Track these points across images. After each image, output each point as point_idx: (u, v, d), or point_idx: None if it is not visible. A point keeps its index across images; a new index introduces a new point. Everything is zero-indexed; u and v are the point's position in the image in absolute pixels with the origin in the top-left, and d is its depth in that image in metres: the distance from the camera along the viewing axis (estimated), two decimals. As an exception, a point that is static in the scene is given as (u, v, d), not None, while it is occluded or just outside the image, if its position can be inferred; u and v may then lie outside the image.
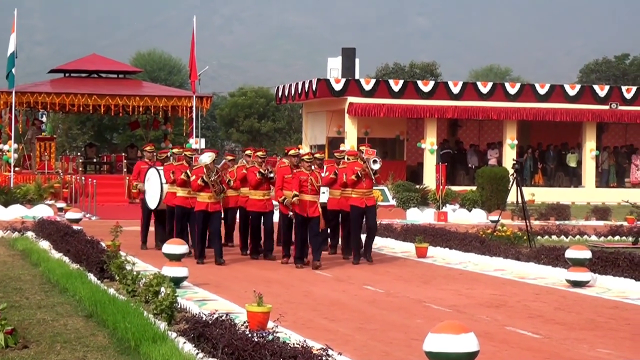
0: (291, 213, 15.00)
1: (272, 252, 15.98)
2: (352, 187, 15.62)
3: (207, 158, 15.12)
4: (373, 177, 15.62)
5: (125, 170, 32.84)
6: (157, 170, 16.70)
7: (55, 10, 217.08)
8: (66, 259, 14.08)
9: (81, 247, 13.94)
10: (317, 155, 16.35)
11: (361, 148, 16.33)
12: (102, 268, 12.46)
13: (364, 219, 15.66)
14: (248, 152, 16.92)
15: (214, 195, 15.02)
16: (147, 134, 39.04)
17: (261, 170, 15.73)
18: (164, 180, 16.47)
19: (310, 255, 15.06)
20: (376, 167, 15.62)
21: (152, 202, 16.90)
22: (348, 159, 16.28)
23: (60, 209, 24.77)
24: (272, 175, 15.72)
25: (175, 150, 16.99)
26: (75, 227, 17.26)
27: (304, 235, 14.95)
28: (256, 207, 15.84)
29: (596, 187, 37.16)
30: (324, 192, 15.69)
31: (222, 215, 15.77)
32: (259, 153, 16.21)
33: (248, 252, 16.28)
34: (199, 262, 14.98)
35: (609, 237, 20.16)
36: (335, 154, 17.00)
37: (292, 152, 15.68)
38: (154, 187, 16.82)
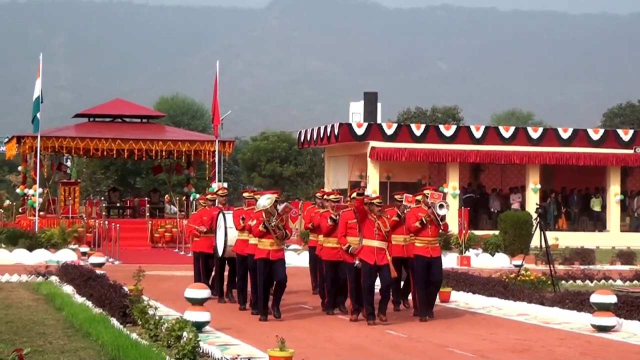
0: (358, 262, 13.67)
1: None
2: (415, 234, 14.26)
3: (266, 201, 13.64)
4: (440, 224, 14.30)
5: (148, 214, 32.98)
6: (224, 214, 15.67)
7: (78, 55, 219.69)
8: (89, 304, 14.10)
9: (104, 291, 13.96)
10: (332, 197, 15.07)
11: (425, 192, 14.58)
12: (124, 312, 12.46)
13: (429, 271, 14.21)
14: (318, 194, 15.88)
15: (276, 242, 13.73)
16: (170, 178, 39.21)
17: (332, 215, 14.52)
18: (229, 224, 15.38)
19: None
20: (443, 212, 14.19)
21: (219, 249, 15.85)
22: (406, 206, 14.61)
23: (84, 253, 24.87)
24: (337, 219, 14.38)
25: (246, 195, 15.33)
26: (98, 271, 17.30)
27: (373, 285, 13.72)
28: (331, 256, 14.52)
29: (621, 231, 36.88)
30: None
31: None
32: (332, 196, 15.09)
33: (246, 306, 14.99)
34: (262, 319, 13.62)
35: (635, 282, 19.96)
36: (396, 197, 15.11)
37: (354, 194, 14.25)
38: (219, 232, 15.79)
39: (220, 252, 15.72)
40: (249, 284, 14.74)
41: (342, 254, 13.97)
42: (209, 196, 16.91)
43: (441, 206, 14.16)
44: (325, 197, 15.30)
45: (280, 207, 13.65)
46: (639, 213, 37.82)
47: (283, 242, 13.95)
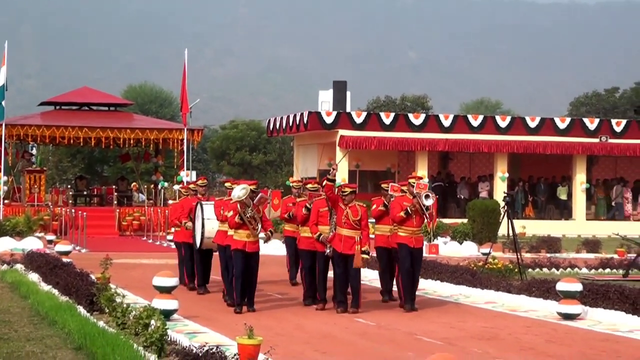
0: (328, 250, 13.58)
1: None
2: (399, 224, 13.89)
3: (240, 192, 13.18)
4: (425, 214, 13.89)
5: (115, 202, 32.81)
6: (201, 204, 15.28)
7: (46, 43, 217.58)
8: (55, 292, 14.00)
9: (71, 279, 13.87)
10: (309, 186, 14.91)
11: (411, 181, 14.17)
12: (91, 300, 12.39)
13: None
14: (295, 183, 15.91)
15: (252, 233, 13.32)
16: (138, 166, 39.01)
17: (307, 204, 14.27)
18: (206, 215, 14.99)
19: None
20: (429, 202, 13.80)
21: (197, 241, 15.45)
22: (392, 195, 14.36)
23: (50, 242, 24.68)
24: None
25: (227, 185, 14.89)
26: (64, 259, 17.19)
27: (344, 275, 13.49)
28: (307, 246, 14.24)
29: (587, 219, 37.23)
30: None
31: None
32: (309, 185, 14.95)
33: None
34: (237, 311, 13.24)
35: (600, 270, 20.16)
36: (382, 186, 14.96)
37: (309, 185, 14.40)
38: (197, 224, 15.41)
39: (197, 244, 15.36)
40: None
41: (315, 242, 13.90)
42: (191, 186, 16.60)
43: (427, 196, 13.78)
44: (305, 186, 15.21)
45: (256, 198, 13.33)
46: (617, 202, 38.13)
47: (258, 234, 13.36)
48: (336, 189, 13.67)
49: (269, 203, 30.85)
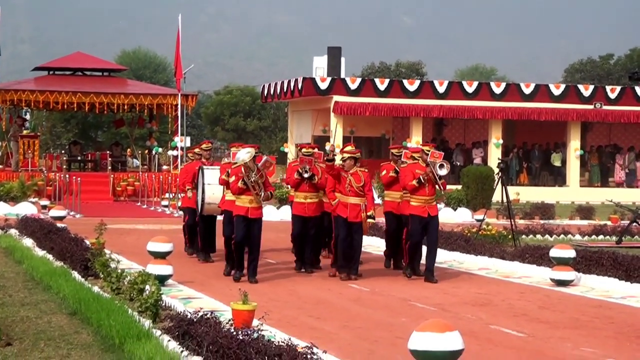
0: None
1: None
2: (411, 193, 13.41)
3: (244, 155, 12.76)
4: (438, 184, 13.42)
5: (109, 167, 32.78)
6: (202, 170, 14.92)
7: (40, 8, 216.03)
8: (50, 257, 14.02)
9: (65, 244, 13.88)
10: (303, 151, 14.34)
11: (425, 149, 13.60)
12: (86, 266, 12.41)
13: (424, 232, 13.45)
14: (303, 150, 14.81)
15: (256, 199, 12.86)
16: (132, 131, 38.94)
17: (300, 169, 13.95)
18: (207, 181, 14.64)
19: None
20: (443, 172, 13.28)
21: (198, 207, 15.16)
22: (404, 161, 13.98)
23: (44, 207, 24.66)
24: (307, 175, 13.87)
25: (234, 149, 14.28)
26: (59, 224, 17.18)
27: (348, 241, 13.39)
28: (298, 211, 14.05)
29: (580, 186, 37.32)
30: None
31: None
32: (303, 150, 14.39)
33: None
34: (236, 278, 12.91)
35: (593, 237, 20.23)
36: (393, 152, 14.60)
37: (348, 148, 13.73)
38: (199, 189, 15.04)
39: (199, 210, 15.06)
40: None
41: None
42: (196, 150, 16.16)
43: (441, 166, 13.26)
44: (299, 150, 14.69)
45: (260, 162, 13.01)
46: (630, 168, 38.11)
47: (262, 200, 12.89)
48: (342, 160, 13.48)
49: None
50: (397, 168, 14.13)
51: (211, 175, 14.56)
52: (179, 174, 17.03)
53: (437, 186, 13.46)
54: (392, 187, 14.37)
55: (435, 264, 13.83)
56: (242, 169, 12.72)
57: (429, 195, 13.40)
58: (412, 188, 13.33)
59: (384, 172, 14.45)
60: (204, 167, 15.03)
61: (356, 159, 13.46)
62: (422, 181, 13.26)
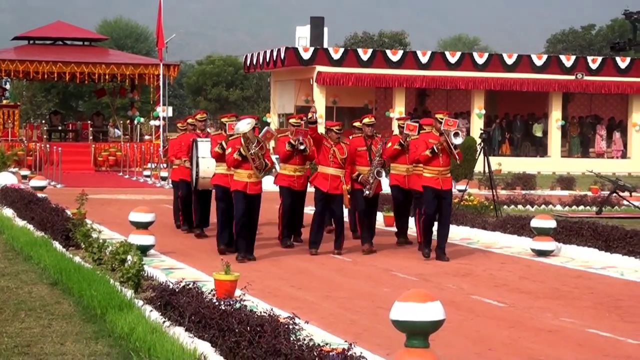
0: (367, 192, 13.08)
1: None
2: (424, 164, 12.71)
3: (245, 125, 12.02)
4: (453, 154, 12.67)
5: (91, 137, 32.62)
6: (196, 142, 14.35)
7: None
8: (30, 227, 13.94)
9: (46, 214, 13.81)
10: (291, 121, 13.81)
11: (438, 116, 12.90)
12: (67, 236, 12.37)
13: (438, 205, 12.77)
14: (292, 120, 14.12)
15: (254, 173, 12.14)
16: (114, 101, 38.76)
17: (291, 140, 13.31)
18: (201, 154, 14.02)
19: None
20: (458, 141, 12.53)
21: (193, 181, 14.57)
22: (408, 134, 13.56)
23: (24, 177, 24.54)
24: (302, 147, 13.24)
25: (224, 120, 13.53)
26: (39, 194, 17.10)
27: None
28: (285, 183, 13.44)
29: (561, 156, 37.47)
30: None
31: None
32: (292, 120, 13.91)
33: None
34: (241, 257, 12.19)
35: (573, 207, 20.34)
36: (399, 122, 14.20)
37: (366, 120, 13.42)
38: (193, 162, 14.45)
39: (193, 184, 14.51)
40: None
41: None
42: (189, 120, 15.45)
43: (456, 134, 12.52)
44: (291, 120, 14.06)
45: (261, 133, 12.40)
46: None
47: (262, 174, 12.18)
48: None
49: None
50: (401, 141, 13.69)
51: (205, 148, 13.92)
52: (169, 145, 16.38)
53: (452, 156, 12.69)
54: (397, 160, 13.95)
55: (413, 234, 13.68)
56: (242, 140, 11.99)
57: (443, 166, 12.67)
58: (425, 159, 12.62)
59: (389, 145, 13.86)
60: (198, 139, 14.39)
61: (341, 132, 13.17)
62: (436, 151, 12.56)
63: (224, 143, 12.57)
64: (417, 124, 13.66)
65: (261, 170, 12.12)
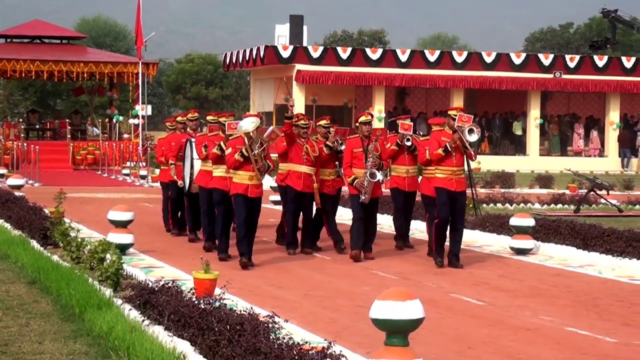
0: (364, 197, 12.24)
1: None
2: (436, 163, 11.95)
3: (249, 124, 11.29)
4: (469, 151, 11.96)
5: (69, 136, 32.44)
6: (190, 142, 13.62)
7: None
8: (8, 225, 13.85)
9: (23, 213, 13.73)
10: (301, 123, 12.92)
11: (451, 112, 12.11)
12: (45, 235, 12.29)
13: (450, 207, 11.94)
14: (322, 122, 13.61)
15: (256, 175, 11.51)
16: (92, 100, 38.57)
17: (328, 143, 12.69)
18: (196, 155, 13.31)
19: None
20: (473, 138, 11.76)
21: (186, 184, 13.92)
22: (403, 134, 12.96)
23: (1, 175, 24.39)
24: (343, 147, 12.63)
25: (209, 118, 12.98)
26: (17, 193, 16.98)
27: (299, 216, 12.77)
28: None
29: (540, 155, 37.64)
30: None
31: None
32: (323, 122, 13.09)
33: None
34: (244, 261, 11.56)
35: (552, 205, 20.43)
36: (398, 122, 13.52)
37: (362, 118, 12.51)
38: (186, 164, 13.83)
39: (186, 187, 13.82)
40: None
41: (348, 187, 12.53)
42: (178, 118, 14.78)
43: (471, 131, 11.70)
44: (318, 123, 13.27)
45: (266, 133, 12.00)
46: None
47: (263, 176, 11.62)
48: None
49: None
50: (398, 141, 13.05)
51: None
52: (157, 144, 15.51)
53: (466, 154, 11.96)
54: (397, 160, 13.32)
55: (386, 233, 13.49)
56: (245, 140, 11.28)
57: (456, 166, 11.87)
58: (437, 158, 11.82)
59: (387, 145, 13.15)
60: (192, 140, 13.64)
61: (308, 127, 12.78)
62: (449, 149, 11.76)
63: (222, 144, 11.90)
64: (412, 124, 13.29)
65: (263, 173, 11.51)
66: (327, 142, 12.72)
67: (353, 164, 12.31)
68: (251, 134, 11.27)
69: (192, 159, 13.57)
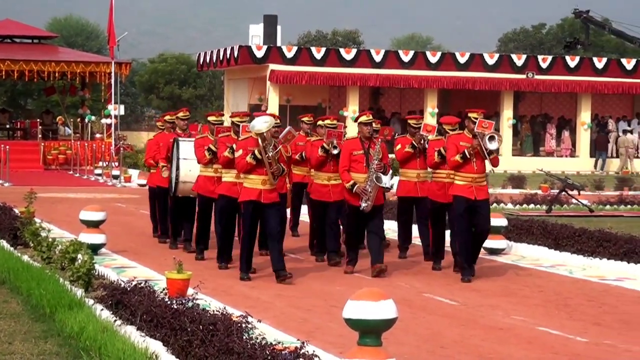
0: (364, 204, 11.08)
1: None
2: (455, 170, 11.14)
3: (262, 124, 10.37)
4: (489, 159, 11.03)
5: (40, 136, 32.21)
6: (177, 141, 12.82)
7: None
8: (-23, 226, 13.70)
9: (-7, 213, 13.60)
10: (327, 122, 12.26)
11: (471, 115, 11.16)
12: (15, 234, 12.20)
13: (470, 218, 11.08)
14: (306, 118, 13.23)
15: (269, 179, 10.57)
16: (64, 99, 38.33)
17: (324, 144, 11.87)
18: (182, 155, 12.55)
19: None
20: (493, 146, 10.92)
21: (172, 186, 12.97)
22: (423, 135, 12.11)
23: (-28, 176, 24.15)
24: (336, 150, 11.79)
25: (212, 119, 12.17)
26: (-12, 194, 16.83)
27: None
28: (320, 196, 12.04)
29: (512, 155, 37.83)
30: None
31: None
32: (327, 121, 12.32)
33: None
34: (245, 277, 10.75)
35: (524, 205, 20.54)
36: (410, 122, 12.46)
37: (363, 118, 11.26)
38: (173, 165, 12.95)
39: (171, 190, 12.89)
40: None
41: (345, 194, 11.32)
42: (167, 117, 13.97)
43: (492, 138, 10.92)
44: (319, 122, 12.55)
45: (282, 134, 11.09)
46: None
47: (277, 181, 10.63)
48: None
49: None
50: (414, 143, 12.18)
51: (188, 149, 12.40)
52: (146, 145, 14.59)
53: (486, 160, 11.06)
54: (408, 165, 12.36)
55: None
56: (259, 141, 10.37)
57: (477, 173, 11.03)
58: (455, 165, 11.02)
59: (398, 147, 12.34)
60: (180, 139, 12.87)
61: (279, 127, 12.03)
62: (468, 156, 10.95)
63: (234, 146, 10.94)
64: (436, 125, 12.44)
65: (276, 177, 10.55)
66: (323, 144, 11.86)
67: (352, 168, 11.15)
68: (265, 135, 10.40)
69: (178, 159, 12.70)
